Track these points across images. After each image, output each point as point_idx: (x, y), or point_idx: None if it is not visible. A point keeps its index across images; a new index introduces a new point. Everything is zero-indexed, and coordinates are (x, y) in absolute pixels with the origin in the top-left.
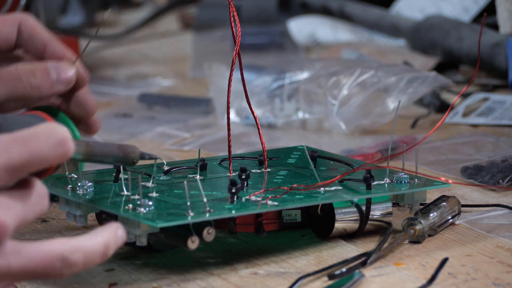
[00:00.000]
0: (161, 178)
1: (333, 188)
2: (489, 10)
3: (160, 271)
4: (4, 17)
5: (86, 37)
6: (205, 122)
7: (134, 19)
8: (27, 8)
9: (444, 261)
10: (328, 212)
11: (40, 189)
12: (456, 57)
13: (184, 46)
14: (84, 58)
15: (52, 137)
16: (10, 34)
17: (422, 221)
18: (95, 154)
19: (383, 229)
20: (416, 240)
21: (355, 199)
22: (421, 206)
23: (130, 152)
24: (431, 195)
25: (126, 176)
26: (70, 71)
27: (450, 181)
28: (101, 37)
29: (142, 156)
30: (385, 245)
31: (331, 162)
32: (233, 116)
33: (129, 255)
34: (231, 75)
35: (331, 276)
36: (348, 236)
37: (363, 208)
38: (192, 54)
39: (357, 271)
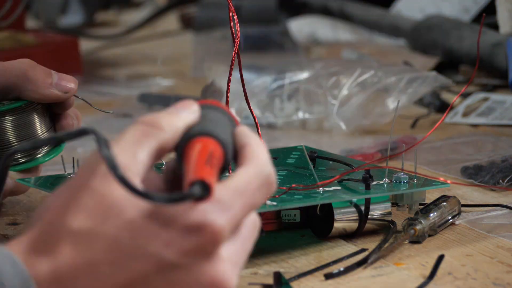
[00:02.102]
0: None
1: (332, 188)
2: (489, 10)
3: None
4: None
5: (86, 37)
6: None
7: (134, 19)
8: (27, 8)
9: (441, 257)
10: (327, 212)
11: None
12: (456, 57)
13: (184, 46)
14: (84, 58)
15: (265, 182)
16: None
17: (422, 221)
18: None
19: (383, 229)
20: (416, 240)
21: (354, 199)
22: (422, 206)
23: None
24: (432, 195)
25: None
26: (71, 83)
27: (448, 181)
28: (101, 37)
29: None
30: (386, 245)
31: (331, 162)
32: None
33: None
34: (230, 75)
35: (328, 276)
36: (348, 236)
37: (362, 208)
38: (192, 54)
39: None
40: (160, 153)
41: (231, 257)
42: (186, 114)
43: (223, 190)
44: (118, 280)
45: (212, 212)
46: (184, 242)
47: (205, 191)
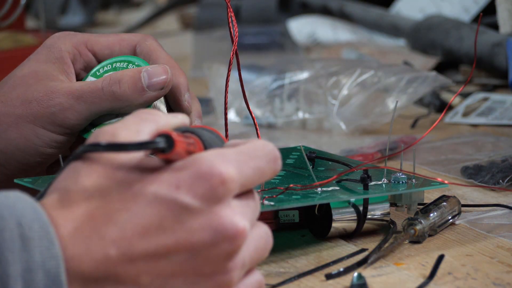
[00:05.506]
0: None
1: (330, 189)
2: (489, 10)
3: None
4: (122, 38)
5: None
6: (205, 122)
7: (134, 19)
8: (27, 8)
9: (441, 257)
10: (326, 212)
11: (257, 197)
12: (456, 57)
13: (184, 46)
14: None
15: (269, 154)
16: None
17: (422, 221)
18: None
19: (383, 229)
20: (416, 240)
21: (352, 199)
22: (421, 206)
23: None
24: (432, 195)
25: None
26: (162, 75)
27: (446, 181)
28: None
29: None
30: (386, 245)
31: (330, 163)
32: (233, 116)
33: None
34: (228, 75)
35: (328, 276)
36: (347, 236)
37: (360, 208)
38: (192, 54)
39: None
40: (157, 136)
41: (240, 207)
42: (176, 117)
43: (231, 150)
44: (136, 226)
45: (221, 163)
46: (194, 185)
47: (169, 144)
